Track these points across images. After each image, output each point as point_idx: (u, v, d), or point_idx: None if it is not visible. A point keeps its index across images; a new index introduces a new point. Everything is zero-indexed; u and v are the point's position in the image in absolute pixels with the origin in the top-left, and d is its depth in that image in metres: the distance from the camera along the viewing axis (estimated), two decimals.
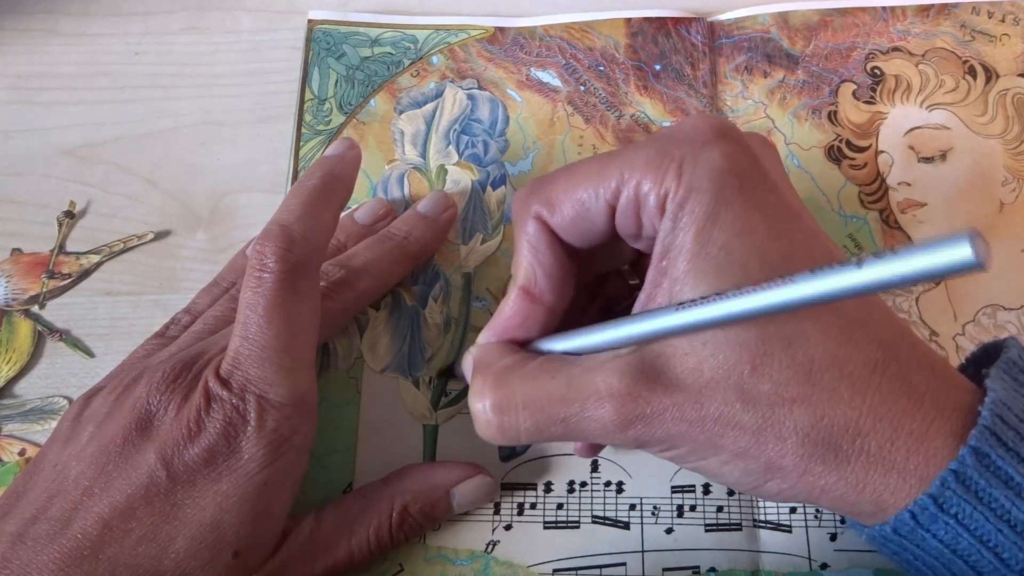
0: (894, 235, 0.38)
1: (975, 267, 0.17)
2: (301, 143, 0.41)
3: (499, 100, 0.41)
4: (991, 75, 0.40)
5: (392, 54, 0.42)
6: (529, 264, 0.27)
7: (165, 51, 0.44)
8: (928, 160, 0.39)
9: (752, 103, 0.40)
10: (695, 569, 0.33)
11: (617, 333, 0.25)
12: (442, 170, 0.40)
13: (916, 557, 0.24)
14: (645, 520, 0.33)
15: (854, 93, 0.40)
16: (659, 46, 0.42)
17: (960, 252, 0.17)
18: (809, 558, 0.33)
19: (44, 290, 0.39)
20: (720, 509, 0.33)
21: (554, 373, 0.26)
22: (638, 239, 0.27)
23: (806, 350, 0.23)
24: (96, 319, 0.38)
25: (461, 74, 0.42)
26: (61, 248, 0.40)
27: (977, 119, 0.39)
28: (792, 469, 0.24)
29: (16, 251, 0.40)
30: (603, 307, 0.32)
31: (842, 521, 0.33)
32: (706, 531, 0.33)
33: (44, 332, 0.38)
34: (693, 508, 0.34)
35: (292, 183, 0.40)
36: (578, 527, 0.34)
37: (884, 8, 0.42)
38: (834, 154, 0.39)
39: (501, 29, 0.43)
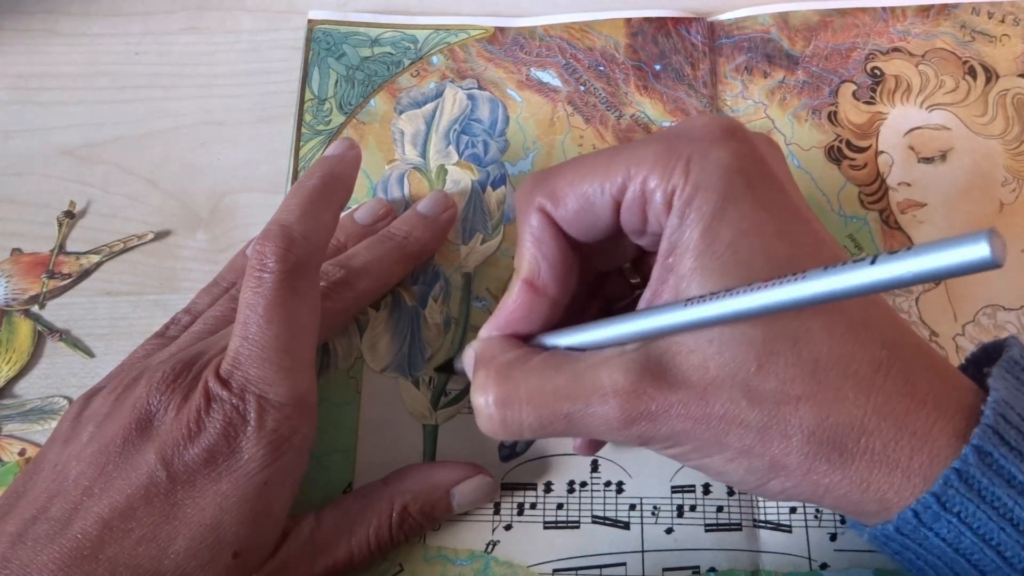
0: (894, 235, 0.38)
1: (992, 265, 0.16)
2: (301, 143, 0.41)
3: (499, 100, 0.41)
4: (991, 75, 0.40)
5: (392, 54, 0.42)
6: (533, 256, 0.27)
7: (165, 51, 0.44)
8: (928, 160, 0.39)
9: (752, 103, 0.40)
10: (695, 569, 0.33)
11: (623, 329, 0.25)
12: (442, 170, 0.40)
13: (918, 556, 0.24)
14: (645, 520, 0.33)
15: (854, 93, 0.40)
16: (659, 46, 0.42)
17: (977, 250, 0.16)
18: (809, 558, 0.33)
19: (44, 290, 0.39)
20: (720, 509, 0.33)
21: (558, 368, 0.26)
22: (642, 235, 0.27)
23: (811, 349, 0.23)
24: (96, 319, 0.38)
25: (461, 74, 0.42)
26: (61, 248, 0.40)
27: (977, 119, 0.40)
28: (796, 468, 0.24)
29: (16, 251, 0.40)
30: (603, 306, 0.32)
31: (842, 521, 0.33)
32: (706, 531, 0.33)
33: (44, 332, 0.38)
34: (693, 508, 0.34)
35: (292, 183, 0.40)
36: (578, 527, 0.34)
37: (884, 8, 0.42)
38: (834, 154, 0.39)
39: (501, 29, 0.43)
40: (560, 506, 0.34)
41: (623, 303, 0.32)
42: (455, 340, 0.37)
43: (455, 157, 0.40)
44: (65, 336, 0.38)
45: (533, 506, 0.34)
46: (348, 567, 0.31)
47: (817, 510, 0.33)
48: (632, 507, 0.34)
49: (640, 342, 0.25)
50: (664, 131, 0.27)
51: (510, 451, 0.35)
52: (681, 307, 0.23)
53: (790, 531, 0.33)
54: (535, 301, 0.27)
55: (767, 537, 0.33)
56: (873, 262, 0.19)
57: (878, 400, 0.23)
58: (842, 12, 0.42)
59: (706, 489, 0.34)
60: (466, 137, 0.41)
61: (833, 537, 0.33)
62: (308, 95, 0.42)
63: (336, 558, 0.31)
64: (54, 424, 0.33)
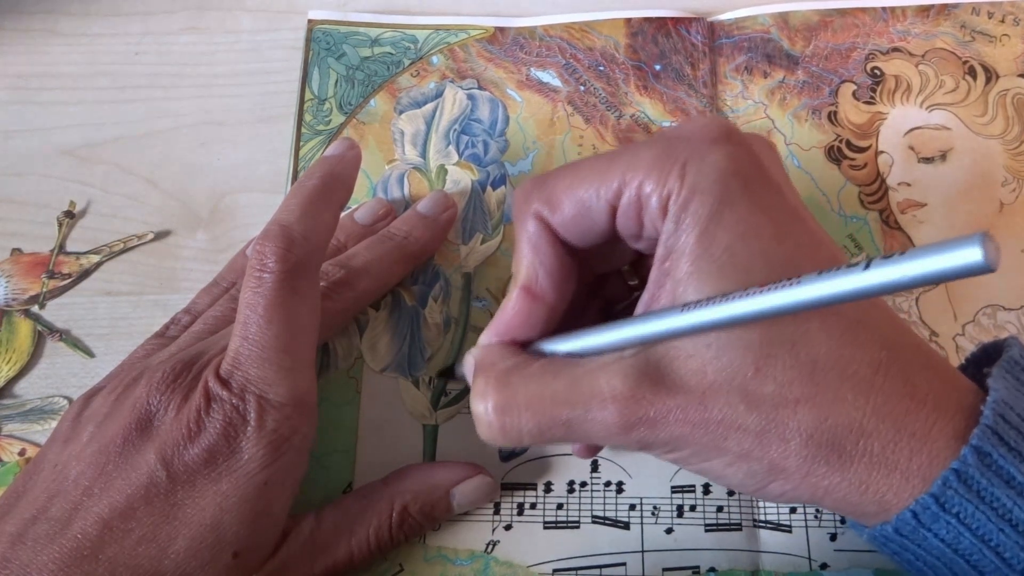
0: (894, 235, 0.38)
1: (985, 270, 0.16)
2: (301, 143, 0.41)
3: (499, 100, 0.41)
4: (991, 75, 0.40)
5: (392, 54, 0.42)
6: (530, 263, 0.27)
7: (165, 51, 0.44)
8: (928, 160, 0.39)
9: (752, 103, 0.40)
10: (695, 569, 0.33)
11: (620, 334, 0.25)
12: (442, 170, 0.40)
13: (917, 557, 0.24)
14: (645, 520, 0.33)
15: (854, 93, 0.40)
16: (659, 46, 0.42)
17: (970, 254, 0.16)
18: (809, 558, 0.33)
19: (44, 290, 0.39)
20: (720, 509, 0.33)
21: (557, 374, 0.26)
22: (639, 240, 0.27)
23: (809, 351, 0.23)
24: (96, 319, 0.38)
25: (461, 74, 0.42)
26: (61, 248, 0.40)
27: (977, 119, 0.40)
28: (795, 470, 0.24)
29: (16, 251, 0.40)
30: (602, 308, 0.32)
31: (842, 521, 0.33)
32: (706, 531, 0.33)
33: (44, 332, 0.38)
34: (693, 508, 0.34)
35: (292, 183, 0.40)
36: (578, 527, 0.34)
37: (884, 8, 0.42)
38: (834, 154, 0.39)
39: (501, 29, 0.43)
40: (560, 506, 0.34)
41: (622, 305, 0.32)
42: (455, 340, 0.37)
43: (455, 157, 0.40)
44: (65, 336, 0.38)
45: (533, 506, 0.34)
46: (348, 567, 0.31)
47: (817, 510, 0.33)
48: (632, 507, 0.34)
49: (638, 347, 0.25)
50: (659, 135, 0.27)
51: (510, 451, 0.35)
52: (678, 312, 0.23)
53: (790, 531, 0.33)
54: (533, 307, 0.27)
55: (767, 537, 0.33)
56: (867, 267, 0.19)
57: (877, 401, 0.23)
58: (842, 12, 0.42)
59: (706, 489, 0.34)
60: (466, 137, 0.41)
61: (833, 537, 0.33)
62: (308, 95, 0.42)
63: (336, 558, 0.31)
64: (54, 424, 0.33)
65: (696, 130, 0.25)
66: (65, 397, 0.37)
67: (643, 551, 0.33)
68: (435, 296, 0.37)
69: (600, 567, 0.33)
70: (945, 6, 0.42)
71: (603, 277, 0.32)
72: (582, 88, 0.41)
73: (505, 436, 0.26)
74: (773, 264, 0.23)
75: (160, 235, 0.40)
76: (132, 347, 0.34)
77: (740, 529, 0.33)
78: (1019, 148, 0.39)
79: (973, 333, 0.36)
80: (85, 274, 0.39)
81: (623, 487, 0.34)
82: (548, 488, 0.34)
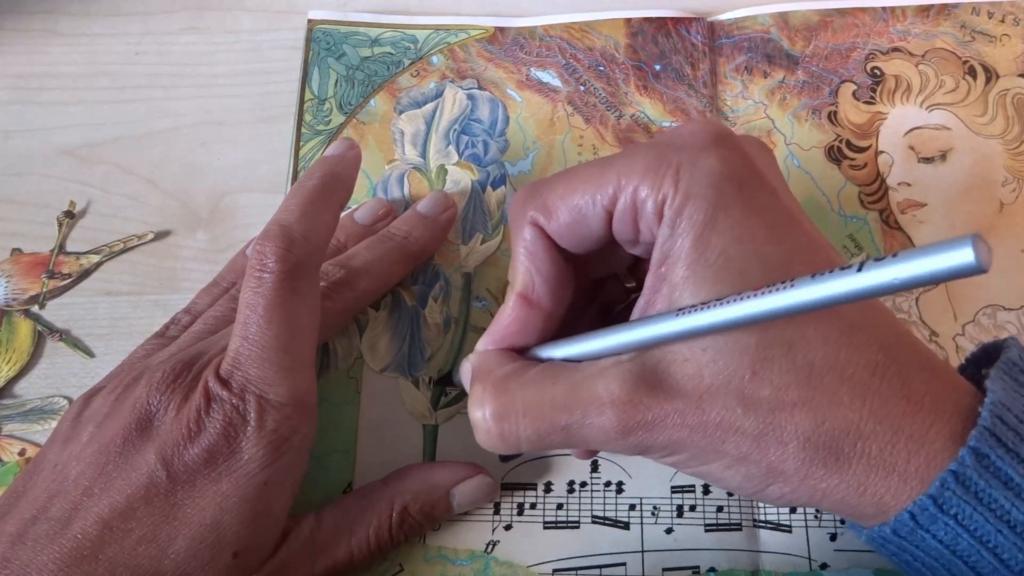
0: (894, 235, 0.38)
1: (977, 271, 0.16)
2: (301, 143, 0.41)
3: (499, 100, 0.41)
4: (991, 75, 0.40)
5: (392, 54, 0.42)
6: (526, 270, 0.27)
7: (165, 51, 0.44)
8: (928, 160, 0.39)
9: (752, 103, 0.40)
10: (695, 569, 0.33)
11: (617, 339, 0.25)
12: (442, 170, 0.40)
13: (916, 558, 0.24)
14: (645, 520, 0.33)
15: (854, 93, 0.40)
16: (659, 46, 0.42)
17: (962, 256, 0.16)
18: (809, 558, 0.33)
19: (44, 290, 0.39)
20: (720, 509, 0.33)
21: (555, 380, 0.26)
22: (635, 245, 0.27)
23: (806, 354, 0.23)
24: (96, 319, 0.38)
25: (461, 74, 0.42)
26: (61, 248, 0.40)
27: (977, 119, 0.39)
28: (793, 473, 0.24)
29: (16, 251, 0.40)
30: (600, 311, 0.32)
31: (842, 521, 0.33)
32: (706, 531, 0.33)
33: (44, 332, 0.38)
34: (693, 508, 0.34)
35: (292, 183, 0.40)
36: (578, 527, 0.34)
37: (884, 8, 0.42)
38: (834, 154, 0.39)
39: (501, 29, 0.43)
40: (560, 506, 0.34)
41: (619, 309, 0.32)
42: (455, 340, 0.37)
43: (455, 157, 0.40)
44: (65, 336, 0.38)
45: (533, 506, 0.34)
46: (348, 567, 0.31)
47: (817, 510, 0.33)
48: (632, 507, 0.34)
49: (635, 352, 0.25)
50: (653, 140, 0.27)
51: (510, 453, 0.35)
52: (674, 317, 0.23)
53: (790, 531, 0.33)
54: (530, 314, 0.28)
55: (767, 537, 0.33)
56: (860, 269, 0.19)
57: (874, 404, 0.23)
58: (842, 12, 0.42)
59: (706, 489, 0.34)
60: (466, 137, 0.41)
61: (833, 537, 0.33)
62: (308, 95, 0.42)
63: (336, 558, 0.31)
64: (54, 424, 0.33)
65: (690, 134, 0.25)
66: (65, 397, 0.37)
67: (643, 551, 0.33)
68: (435, 296, 0.37)
69: (600, 567, 0.33)
70: (945, 6, 0.42)
71: (600, 281, 0.32)
72: (582, 88, 0.41)
73: (504, 443, 0.26)
74: (768, 267, 0.23)
75: (160, 235, 0.40)
76: (132, 347, 0.34)
77: (740, 529, 0.33)
78: (1019, 148, 0.39)
79: (973, 333, 0.36)
80: (85, 274, 0.39)
81: (623, 487, 0.34)
82: (548, 488, 0.34)
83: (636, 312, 0.25)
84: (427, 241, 0.37)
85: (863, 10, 0.42)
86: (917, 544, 0.24)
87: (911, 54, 0.41)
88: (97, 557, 0.26)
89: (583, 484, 0.34)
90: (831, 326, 0.23)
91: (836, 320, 0.23)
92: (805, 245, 0.25)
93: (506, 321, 0.28)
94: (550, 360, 0.27)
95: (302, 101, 0.42)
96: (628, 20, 0.42)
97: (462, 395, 0.36)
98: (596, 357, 0.26)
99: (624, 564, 0.33)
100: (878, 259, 0.18)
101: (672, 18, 0.42)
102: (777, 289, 0.21)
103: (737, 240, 0.24)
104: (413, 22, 0.43)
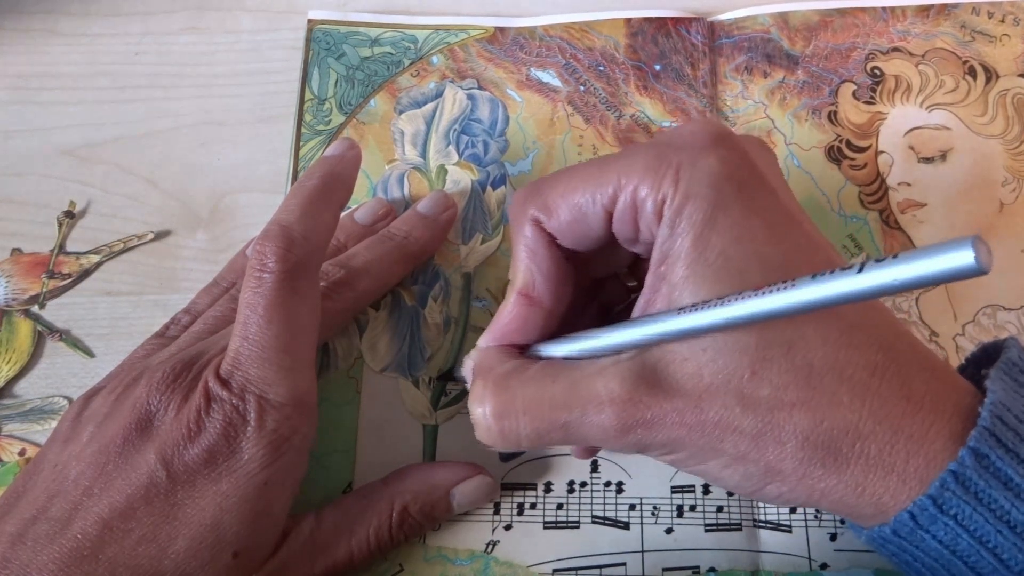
0: (894, 235, 0.38)
1: (977, 272, 0.16)
2: (301, 143, 0.41)
3: (499, 100, 0.41)
4: (991, 75, 0.40)
5: (392, 54, 0.42)
6: (527, 268, 0.27)
7: (165, 51, 0.44)
8: (928, 160, 0.39)
9: (752, 103, 0.40)
10: (695, 569, 0.33)
11: (617, 338, 0.25)
12: (442, 170, 0.40)
13: (915, 558, 0.24)
14: (645, 520, 0.33)
15: (854, 93, 0.40)
16: (659, 46, 0.42)
17: (962, 257, 0.16)
18: (809, 558, 0.33)
19: (44, 290, 0.39)
20: (720, 509, 0.33)
21: (555, 378, 0.26)
22: (635, 244, 0.27)
23: (805, 354, 0.23)
24: (96, 319, 0.38)
25: (461, 74, 0.42)
26: (61, 248, 0.40)
27: (977, 119, 0.39)
28: (791, 473, 0.24)
29: (16, 251, 0.40)
30: (600, 310, 0.32)
31: (842, 521, 0.33)
32: (706, 531, 0.33)
33: (44, 332, 0.38)
34: (693, 508, 0.34)
35: (292, 183, 0.40)
36: (578, 527, 0.34)
37: (884, 8, 0.42)
38: (834, 154, 0.39)
39: (501, 29, 0.43)
40: (560, 506, 0.34)
41: (620, 308, 0.32)
42: (455, 340, 0.37)
43: (455, 157, 0.40)
44: (65, 336, 0.38)
45: (533, 506, 0.34)
46: (348, 567, 0.31)
47: (817, 510, 0.33)
48: (632, 507, 0.34)
49: (635, 351, 0.25)
50: (654, 139, 0.27)
51: (510, 451, 0.35)
52: (674, 316, 0.23)
53: (790, 531, 0.33)
54: (531, 312, 0.28)
55: (767, 537, 0.33)
56: (860, 270, 0.19)
57: (873, 404, 0.23)
58: (842, 12, 0.42)
59: (706, 489, 0.34)
60: (466, 137, 0.41)
61: (833, 537, 0.33)
62: (308, 95, 0.42)
63: (336, 558, 0.31)
64: (54, 424, 0.33)
65: (690, 134, 0.25)
66: (65, 397, 0.37)
67: (643, 551, 0.33)
68: (435, 296, 0.37)
69: (600, 567, 0.33)
70: (945, 6, 0.42)
71: (601, 280, 0.32)
72: (582, 88, 0.41)
73: (504, 440, 0.26)
74: (768, 267, 0.23)
75: (160, 235, 0.40)
76: (132, 347, 0.34)
77: (740, 529, 0.33)
78: (1019, 148, 0.39)
79: (973, 333, 0.36)
80: (85, 274, 0.39)
81: (623, 487, 0.34)
82: (548, 488, 0.34)
83: (636, 311, 0.25)
84: (427, 241, 0.37)
85: (863, 10, 0.42)
86: (917, 544, 0.24)
87: (911, 54, 0.41)
88: (97, 557, 0.26)
89: (583, 484, 0.34)
90: (831, 326, 0.23)
91: (835, 320, 0.23)
92: (805, 246, 0.25)
93: (507, 318, 0.28)
94: (551, 358, 0.27)
95: (302, 101, 0.42)
96: (628, 20, 0.42)
97: (462, 395, 0.36)
98: (596, 355, 0.26)
99: (624, 564, 0.33)
100: (878, 260, 0.18)
101: (672, 18, 0.42)
102: (777, 289, 0.21)
103: (737, 240, 0.24)
104: (413, 22, 0.43)
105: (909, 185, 0.39)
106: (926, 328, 0.36)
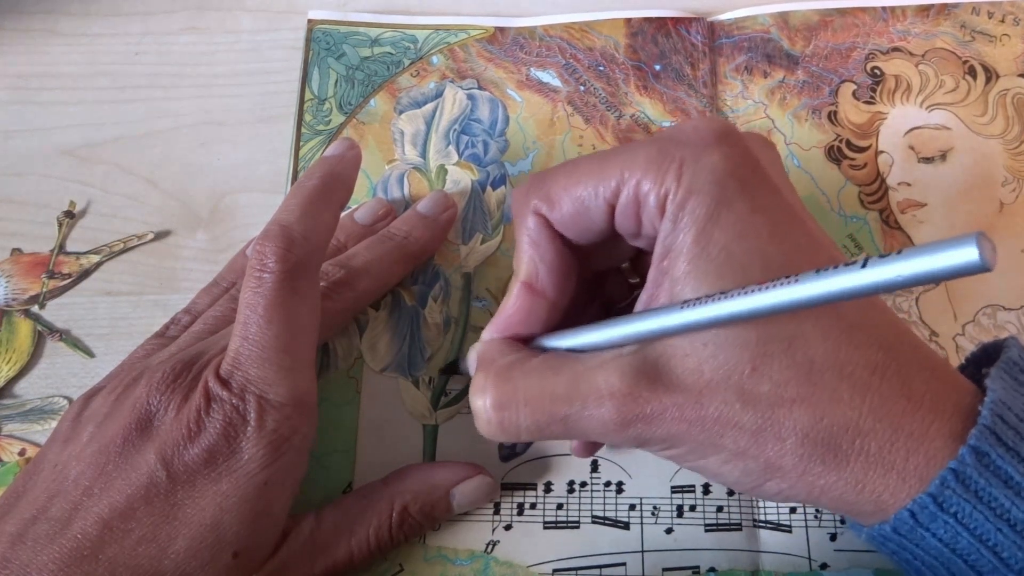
0: (894, 235, 0.38)
1: (981, 269, 0.16)
2: (301, 143, 0.41)
3: (499, 100, 0.41)
4: (991, 75, 0.40)
5: (392, 54, 0.42)
6: (531, 259, 0.27)
7: (165, 51, 0.44)
8: (928, 160, 0.39)
9: (752, 103, 0.40)
10: (695, 569, 0.33)
11: (619, 331, 0.25)
12: (442, 170, 0.40)
13: (915, 556, 0.24)
14: (645, 520, 0.33)
15: (854, 93, 0.40)
16: (659, 46, 0.42)
17: (966, 254, 0.16)
18: (809, 558, 0.33)
19: (44, 290, 0.39)
20: (720, 509, 0.33)
21: (556, 370, 0.26)
22: (638, 237, 0.27)
23: (806, 351, 0.23)
24: (96, 319, 0.38)
25: (461, 74, 0.42)
26: (61, 248, 0.40)
27: (977, 119, 0.40)
28: (791, 469, 0.24)
29: (16, 251, 0.40)
30: (603, 305, 0.32)
31: (842, 521, 0.33)
32: (706, 531, 0.33)
33: (44, 332, 0.38)
34: (693, 508, 0.34)
35: (292, 183, 0.40)
36: (578, 527, 0.34)
37: (884, 8, 0.42)
38: (834, 154, 0.39)
39: (501, 29, 0.43)
40: (560, 506, 0.34)
41: (623, 302, 0.32)
42: (455, 340, 0.37)
43: (455, 157, 0.40)
44: (65, 336, 0.38)
45: (533, 506, 0.34)
46: (348, 567, 0.31)
47: (817, 510, 0.33)
48: (632, 507, 0.34)
49: (636, 345, 0.25)
50: (657, 135, 0.27)
51: (510, 451, 0.35)
52: (676, 310, 0.23)
53: (790, 531, 0.33)
54: (534, 303, 0.28)
55: (767, 537, 0.33)
56: (864, 265, 0.19)
57: (874, 402, 0.23)
58: (842, 12, 0.42)
59: (706, 489, 0.34)
60: (466, 137, 0.41)
61: (833, 537, 0.33)
62: (308, 95, 0.42)
63: (336, 558, 0.31)
64: (54, 424, 0.33)
65: (694, 130, 0.25)
66: (65, 397, 0.37)
67: (643, 551, 0.33)
68: (435, 296, 0.37)
69: (600, 567, 0.33)
70: (945, 6, 0.42)
71: (603, 274, 0.32)
72: (582, 88, 0.41)
73: (503, 431, 0.26)
74: (770, 264, 0.23)
75: (160, 235, 0.40)
76: (132, 347, 0.34)
77: (740, 529, 0.33)
78: (1019, 148, 0.39)
79: (973, 333, 0.36)
80: (85, 274, 0.39)
81: (623, 487, 0.34)
82: (548, 488, 0.34)
83: (639, 305, 0.26)
84: (427, 241, 0.37)
85: (863, 10, 0.42)
86: (917, 542, 0.24)
87: (911, 54, 0.41)
88: (97, 557, 0.26)
89: (583, 484, 0.34)
90: (831, 324, 0.23)
91: (836, 318, 0.24)
92: (807, 244, 0.25)
93: (510, 309, 0.28)
94: (553, 350, 0.27)
95: (302, 101, 0.42)
96: (628, 20, 0.42)
97: (462, 395, 0.36)
98: (598, 348, 0.26)
99: (624, 564, 0.33)
100: (882, 256, 0.18)
101: (672, 18, 0.42)
102: (780, 284, 0.21)
103: (739, 236, 0.24)
104: (413, 22, 0.43)
105: (909, 185, 0.39)
106: (926, 328, 0.36)
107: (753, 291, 0.21)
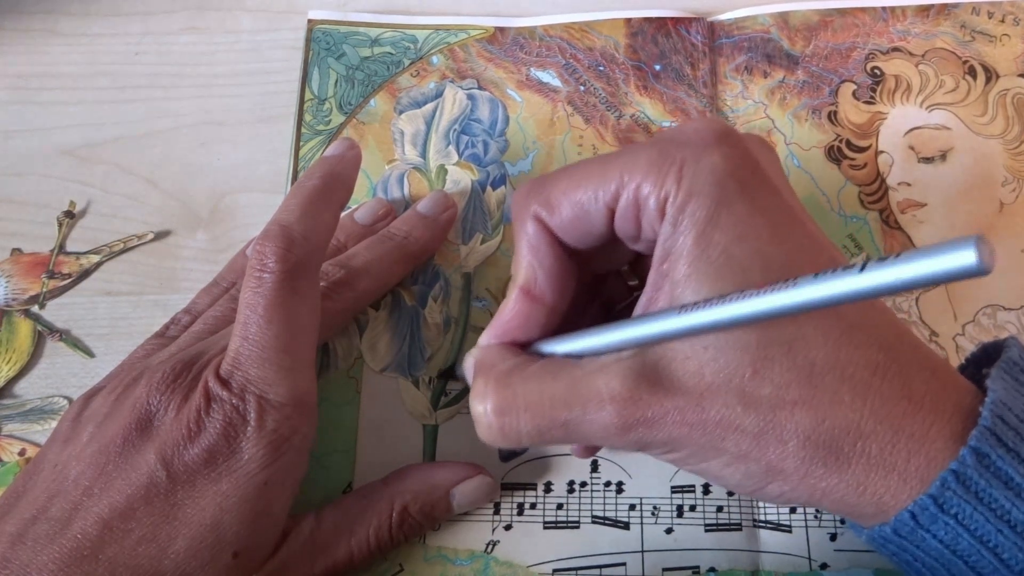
0: (894, 235, 0.38)
1: (979, 272, 0.16)
2: (301, 143, 0.41)
3: (499, 100, 0.41)
4: (991, 75, 0.40)
5: (392, 54, 0.42)
6: (529, 264, 0.27)
7: (165, 51, 0.44)
8: (928, 160, 0.39)
9: (752, 103, 0.40)
10: (695, 569, 0.33)
11: (619, 335, 0.25)
12: (442, 170, 0.40)
13: (916, 558, 0.24)
14: (645, 520, 0.33)
15: (854, 93, 0.40)
16: (659, 46, 0.42)
17: (964, 257, 0.16)
18: (809, 558, 0.33)
19: (44, 290, 0.39)
20: (720, 509, 0.33)
21: (556, 375, 0.26)
22: (638, 241, 0.27)
23: (807, 353, 0.23)
24: (96, 319, 0.38)
25: (461, 74, 0.42)
26: (61, 248, 0.40)
27: (977, 119, 0.40)
28: (793, 472, 0.24)
29: (16, 251, 0.40)
30: (602, 308, 0.32)
31: (842, 521, 0.33)
32: (706, 531, 0.33)
33: (44, 332, 0.38)
34: (693, 508, 0.34)
35: (292, 183, 0.40)
36: (578, 527, 0.34)
37: (884, 8, 0.42)
38: (834, 154, 0.39)
39: (501, 29, 0.43)
40: (560, 506, 0.34)
41: (621, 306, 0.32)
42: (455, 340, 0.37)
43: (455, 157, 0.40)
44: (65, 336, 0.38)
45: (533, 506, 0.34)
46: (348, 567, 0.31)
47: (817, 510, 0.33)
48: (632, 507, 0.34)
49: (637, 348, 0.25)
50: (657, 137, 0.27)
51: (510, 451, 0.35)
52: (676, 314, 0.23)
53: (790, 531, 0.33)
54: (532, 309, 0.28)
55: (767, 537, 0.33)
56: (862, 269, 0.19)
57: (875, 403, 0.23)
58: (842, 12, 0.42)
59: (706, 489, 0.34)
60: (466, 137, 0.41)
61: (833, 537, 0.33)
62: (308, 95, 0.42)
63: (336, 558, 0.31)
64: (54, 424, 0.33)
65: (693, 132, 0.25)
66: (65, 397, 0.37)
67: (643, 551, 0.33)
68: (435, 296, 0.37)
69: (600, 567, 0.33)
70: (945, 6, 0.42)
71: (603, 277, 0.32)
72: (582, 88, 0.41)
73: (504, 437, 0.26)
74: (770, 266, 0.23)
75: (160, 235, 0.40)
76: (132, 347, 0.34)
77: (740, 529, 0.33)
78: (1019, 148, 0.39)
79: (973, 333, 0.36)
80: (85, 274, 0.39)
81: (623, 487, 0.34)
82: (548, 488, 0.34)
83: (638, 309, 0.25)
84: (427, 241, 0.37)
85: (863, 10, 0.42)
86: (917, 544, 0.24)
87: (911, 54, 0.41)
88: (97, 557, 0.26)
89: (583, 484, 0.34)
90: (832, 325, 0.23)
91: (837, 320, 0.23)
92: (807, 246, 0.25)
93: (508, 315, 0.28)
94: (552, 355, 0.27)
95: (302, 101, 0.42)
96: (628, 20, 0.42)
97: (462, 395, 0.36)
98: (598, 353, 0.26)
99: (624, 564, 0.33)
100: (881, 259, 0.18)
101: (672, 18, 0.42)
102: (779, 288, 0.21)
103: (739, 238, 0.24)
104: (413, 22, 0.43)
105: (909, 185, 0.39)
106: (926, 328, 0.36)
107: (752, 295, 0.21)
